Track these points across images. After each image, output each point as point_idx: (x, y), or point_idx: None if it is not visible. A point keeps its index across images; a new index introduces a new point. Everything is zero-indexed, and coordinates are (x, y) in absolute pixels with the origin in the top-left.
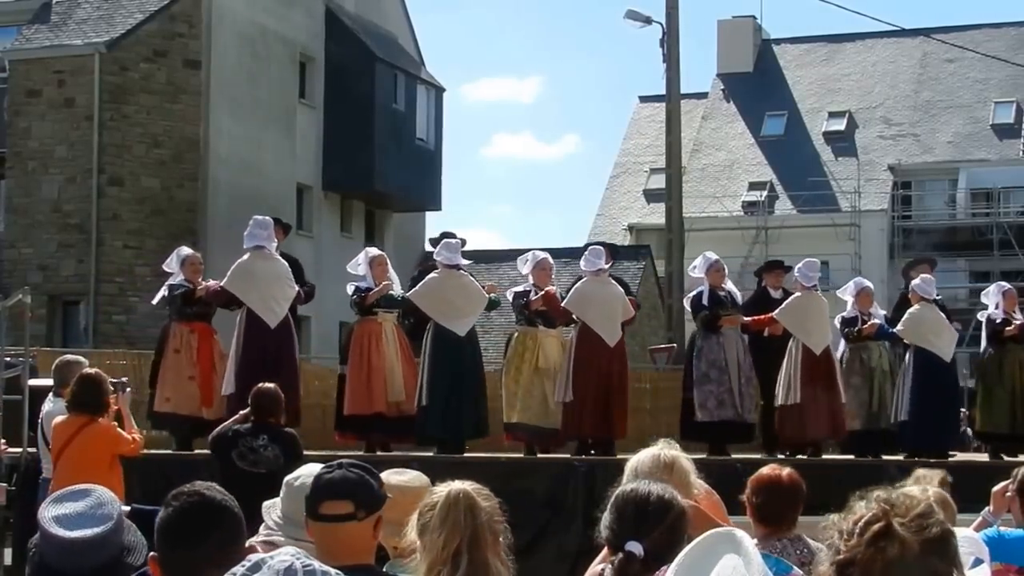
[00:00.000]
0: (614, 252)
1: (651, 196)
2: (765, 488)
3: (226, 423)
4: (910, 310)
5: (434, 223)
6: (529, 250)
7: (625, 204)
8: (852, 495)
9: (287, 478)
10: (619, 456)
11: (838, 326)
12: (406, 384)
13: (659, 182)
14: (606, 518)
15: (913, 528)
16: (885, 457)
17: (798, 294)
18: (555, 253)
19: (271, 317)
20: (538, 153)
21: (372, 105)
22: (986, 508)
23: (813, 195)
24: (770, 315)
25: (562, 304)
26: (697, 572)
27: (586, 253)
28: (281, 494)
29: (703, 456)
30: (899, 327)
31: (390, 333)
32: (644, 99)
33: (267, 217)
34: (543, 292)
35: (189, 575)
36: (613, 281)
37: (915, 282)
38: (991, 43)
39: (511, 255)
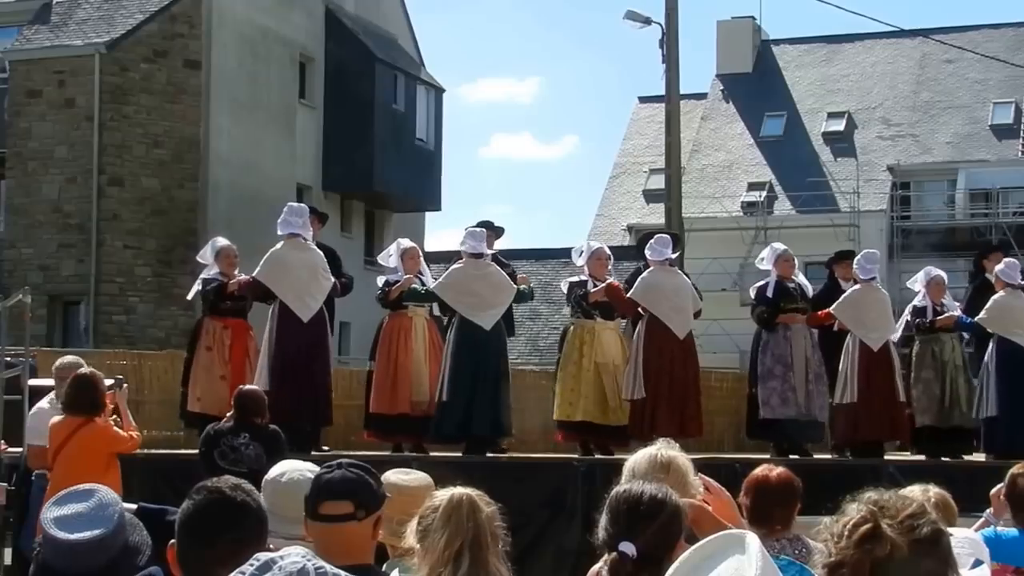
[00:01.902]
0: (676, 241)
1: (650, 196)
2: (753, 488)
3: (212, 424)
4: (995, 297)
5: (434, 223)
6: (529, 250)
7: (624, 204)
8: (845, 497)
9: (268, 475)
10: (619, 456)
11: (908, 317)
12: (432, 383)
13: (658, 182)
14: (602, 519)
15: (902, 529)
16: (961, 458)
17: (856, 287)
18: (554, 254)
19: (304, 311)
20: (537, 153)
21: (372, 105)
22: (988, 509)
23: (812, 195)
24: (827, 311)
25: (627, 295)
26: (698, 573)
27: (651, 242)
28: (263, 491)
29: (766, 456)
30: (982, 315)
31: (420, 329)
32: (643, 99)
33: (302, 204)
34: (606, 283)
35: (203, 571)
36: (680, 272)
37: (999, 268)
38: (990, 44)
39: (510, 255)
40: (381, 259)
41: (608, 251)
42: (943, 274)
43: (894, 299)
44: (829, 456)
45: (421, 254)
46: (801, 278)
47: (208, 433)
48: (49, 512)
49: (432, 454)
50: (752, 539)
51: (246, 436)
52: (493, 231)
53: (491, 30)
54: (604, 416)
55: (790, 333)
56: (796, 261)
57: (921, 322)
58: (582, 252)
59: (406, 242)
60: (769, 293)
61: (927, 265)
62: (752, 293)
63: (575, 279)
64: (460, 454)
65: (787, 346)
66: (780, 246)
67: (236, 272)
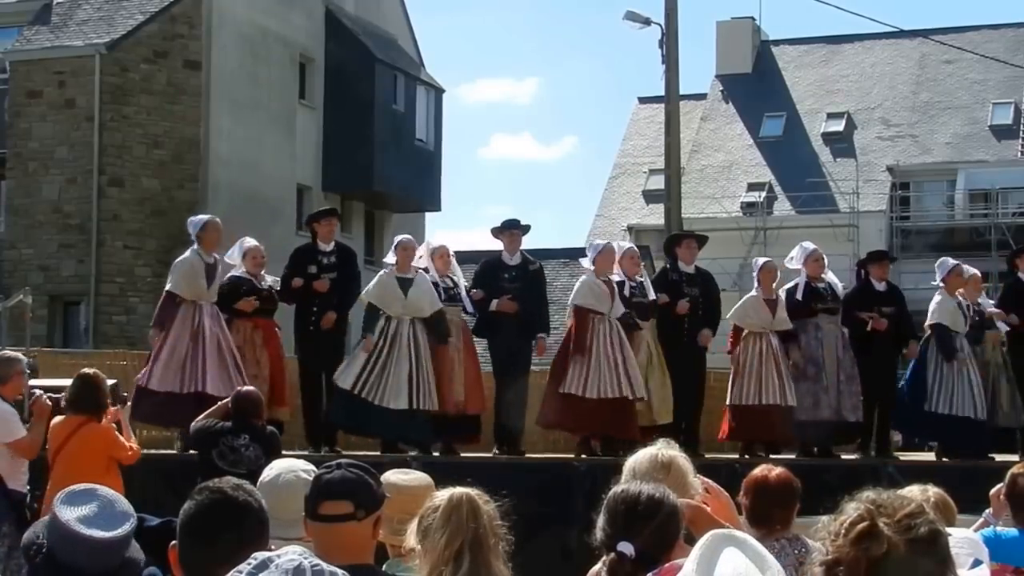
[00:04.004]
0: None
1: (650, 197)
2: (752, 489)
3: (205, 415)
4: None
5: (433, 224)
6: (529, 251)
7: (624, 205)
8: (844, 497)
9: (263, 477)
10: (618, 456)
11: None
12: (468, 383)
13: (658, 183)
14: (600, 519)
15: (899, 528)
16: (999, 458)
17: (752, 294)
18: (554, 254)
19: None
20: (537, 154)
21: (372, 106)
22: (987, 510)
23: (812, 196)
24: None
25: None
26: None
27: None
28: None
29: (792, 457)
30: None
31: (455, 329)
32: (643, 100)
33: (197, 218)
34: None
35: (203, 571)
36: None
37: None
38: (989, 44)
39: None
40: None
41: (637, 249)
42: (977, 272)
43: None
44: (855, 456)
45: (451, 252)
46: (831, 276)
47: (204, 431)
48: (67, 512)
49: (435, 454)
50: (745, 536)
51: (246, 437)
52: (519, 229)
53: (491, 31)
54: (649, 417)
55: (821, 334)
56: (826, 260)
57: (976, 321)
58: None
59: (435, 241)
60: (799, 295)
61: (926, 265)
62: (782, 294)
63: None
64: (461, 454)
65: (819, 347)
66: (810, 245)
67: (263, 272)
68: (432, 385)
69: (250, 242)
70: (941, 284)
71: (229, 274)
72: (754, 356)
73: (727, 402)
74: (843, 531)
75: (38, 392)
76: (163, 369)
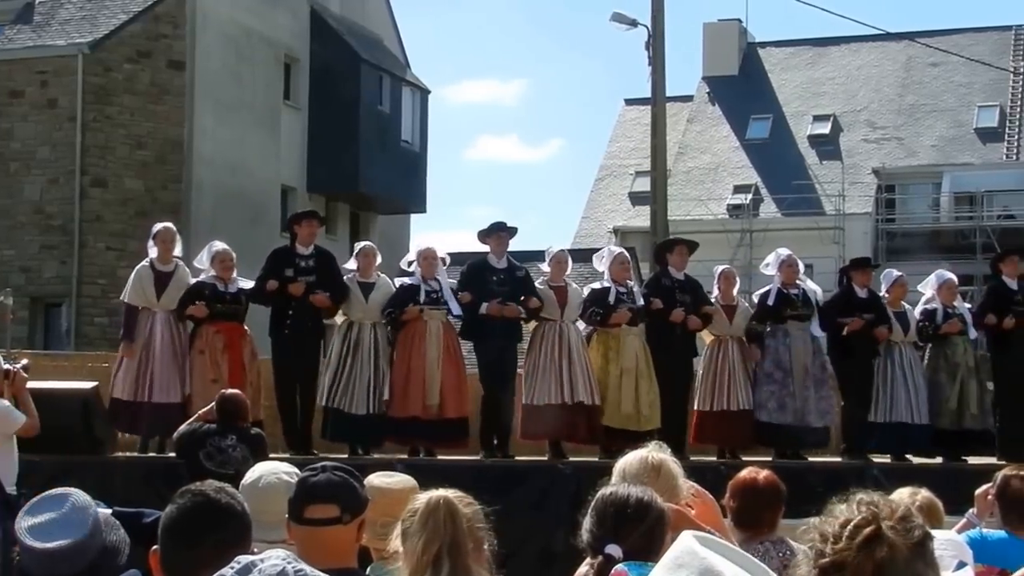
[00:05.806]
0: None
1: (636, 199)
2: (741, 491)
3: (190, 422)
4: None
5: (419, 225)
6: (514, 252)
7: (610, 207)
8: (831, 498)
9: (245, 480)
10: (601, 459)
11: (918, 316)
12: (446, 387)
13: (644, 185)
14: (587, 521)
15: (900, 531)
16: (974, 460)
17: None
18: (540, 256)
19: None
20: (523, 156)
21: (357, 106)
22: (970, 510)
23: (798, 198)
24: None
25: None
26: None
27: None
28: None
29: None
30: None
31: (435, 333)
32: (629, 102)
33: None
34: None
35: (186, 574)
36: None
37: None
38: (975, 47)
39: None
40: (403, 265)
41: (628, 255)
42: (953, 277)
43: None
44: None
45: (438, 255)
46: (809, 284)
47: (192, 434)
48: (23, 521)
49: (422, 456)
50: (710, 538)
51: (233, 438)
52: (507, 231)
53: (477, 31)
54: (637, 422)
55: (790, 340)
56: (801, 266)
57: (925, 326)
58: (603, 258)
59: (423, 243)
60: (770, 301)
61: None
62: (755, 298)
63: (597, 286)
64: (447, 457)
65: (786, 352)
66: (784, 251)
67: (233, 275)
68: (385, 388)
69: (218, 246)
70: (887, 295)
71: (198, 278)
72: (715, 362)
73: (694, 407)
74: (847, 534)
75: (9, 367)
76: (122, 378)
